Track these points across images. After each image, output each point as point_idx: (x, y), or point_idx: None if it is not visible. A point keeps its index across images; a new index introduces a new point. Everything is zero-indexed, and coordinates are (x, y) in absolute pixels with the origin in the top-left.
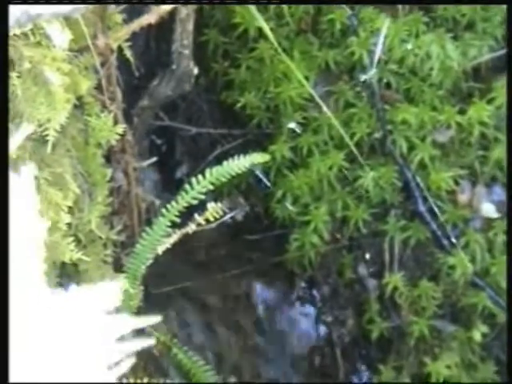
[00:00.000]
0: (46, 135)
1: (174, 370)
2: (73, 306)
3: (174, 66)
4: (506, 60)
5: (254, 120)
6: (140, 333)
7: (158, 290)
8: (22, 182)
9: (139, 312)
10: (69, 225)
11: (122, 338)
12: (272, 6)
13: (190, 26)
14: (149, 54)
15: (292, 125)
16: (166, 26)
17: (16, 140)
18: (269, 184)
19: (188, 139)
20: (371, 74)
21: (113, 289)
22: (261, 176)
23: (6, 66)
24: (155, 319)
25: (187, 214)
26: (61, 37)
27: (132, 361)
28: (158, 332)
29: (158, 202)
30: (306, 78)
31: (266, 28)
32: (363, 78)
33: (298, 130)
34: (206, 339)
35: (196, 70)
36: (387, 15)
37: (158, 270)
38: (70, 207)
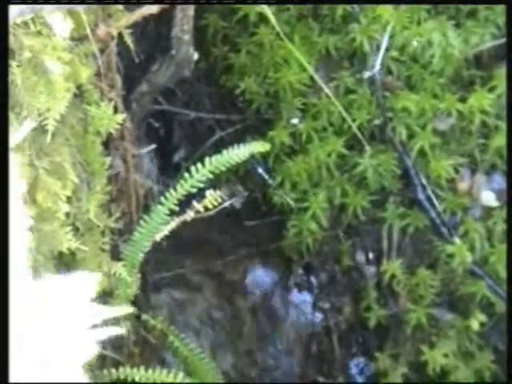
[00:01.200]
0: (46, 124)
1: (171, 358)
2: (50, 293)
3: (173, 52)
4: (507, 59)
5: (253, 105)
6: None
7: (156, 276)
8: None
9: (136, 299)
10: (67, 214)
11: (94, 327)
12: None
13: (191, 12)
14: (148, 39)
15: (295, 120)
16: (165, 11)
17: (18, 135)
18: (268, 176)
19: (186, 124)
20: (375, 71)
21: (90, 279)
22: (261, 171)
23: (6, 65)
24: (127, 309)
25: (185, 201)
26: (62, 26)
27: (97, 349)
28: (155, 319)
29: (156, 188)
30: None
31: (268, 12)
32: (367, 74)
33: (301, 126)
34: (203, 325)
35: (196, 56)
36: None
37: (155, 256)
38: (68, 196)
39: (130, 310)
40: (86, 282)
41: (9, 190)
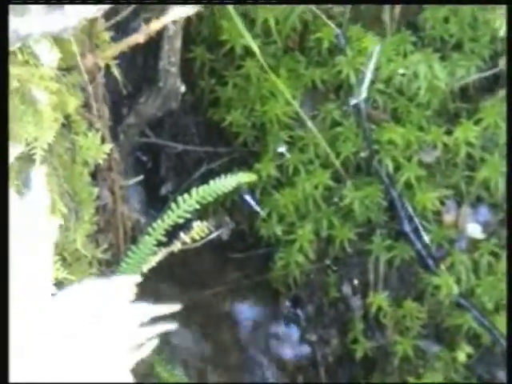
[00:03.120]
0: (33, 154)
1: None
2: (90, 297)
3: (160, 84)
4: (506, 60)
5: (240, 138)
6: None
7: None
8: (34, 182)
9: None
10: (55, 243)
11: (142, 325)
12: (259, 23)
13: (178, 44)
14: (135, 70)
15: (282, 149)
16: (152, 42)
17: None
18: (256, 207)
19: (173, 156)
20: (361, 99)
21: (127, 282)
22: (249, 199)
23: (7, 66)
24: (176, 307)
25: (172, 232)
26: (49, 55)
27: (154, 343)
28: None
29: (143, 220)
30: (293, 97)
31: (254, 45)
32: (353, 101)
33: (288, 155)
34: (189, 357)
35: (183, 88)
36: (374, 34)
37: (140, 288)
38: None
39: (178, 306)
40: (125, 284)
41: (8, 190)
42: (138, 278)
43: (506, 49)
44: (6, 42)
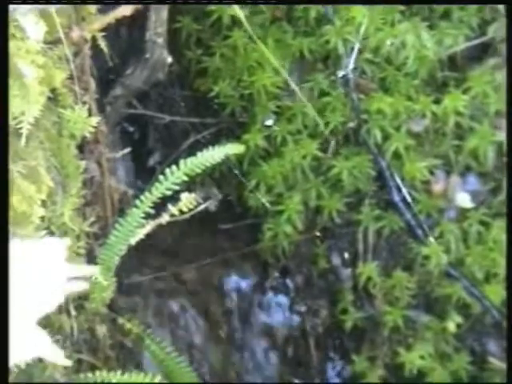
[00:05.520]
0: (20, 128)
1: (148, 361)
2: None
3: (147, 55)
4: (506, 59)
5: (228, 108)
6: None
7: (131, 280)
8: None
9: (112, 303)
10: (42, 217)
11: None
12: None
13: (164, 15)
14: (122, 42)
15: (269, 122)
16: (139, 14)
17: None
18: (242, 177)
19: (161, 127)
20: (349, 70)
21: (58, 244)
22: (235, 171)
23: (6, 64)
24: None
25: (160, 204)
26: (35, 29)
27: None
28: (131, 323)
29: (130, 192)
30: (281, 67)
31: (242, 15)
32: (341, 73)
33: (276, 127)
34: (178, 328)
35: (170, 59)
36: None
37: (129, 260)
38: (43, 200)
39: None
40: (59, 245)
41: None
42: (68, 241)
43: (507, 48)
44: (6, 41)
